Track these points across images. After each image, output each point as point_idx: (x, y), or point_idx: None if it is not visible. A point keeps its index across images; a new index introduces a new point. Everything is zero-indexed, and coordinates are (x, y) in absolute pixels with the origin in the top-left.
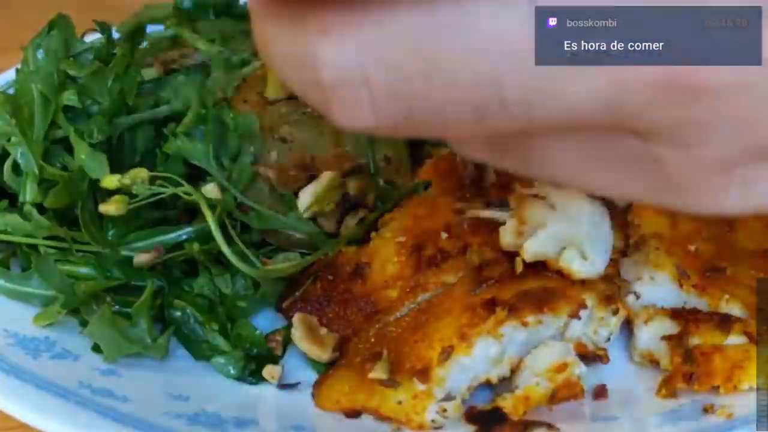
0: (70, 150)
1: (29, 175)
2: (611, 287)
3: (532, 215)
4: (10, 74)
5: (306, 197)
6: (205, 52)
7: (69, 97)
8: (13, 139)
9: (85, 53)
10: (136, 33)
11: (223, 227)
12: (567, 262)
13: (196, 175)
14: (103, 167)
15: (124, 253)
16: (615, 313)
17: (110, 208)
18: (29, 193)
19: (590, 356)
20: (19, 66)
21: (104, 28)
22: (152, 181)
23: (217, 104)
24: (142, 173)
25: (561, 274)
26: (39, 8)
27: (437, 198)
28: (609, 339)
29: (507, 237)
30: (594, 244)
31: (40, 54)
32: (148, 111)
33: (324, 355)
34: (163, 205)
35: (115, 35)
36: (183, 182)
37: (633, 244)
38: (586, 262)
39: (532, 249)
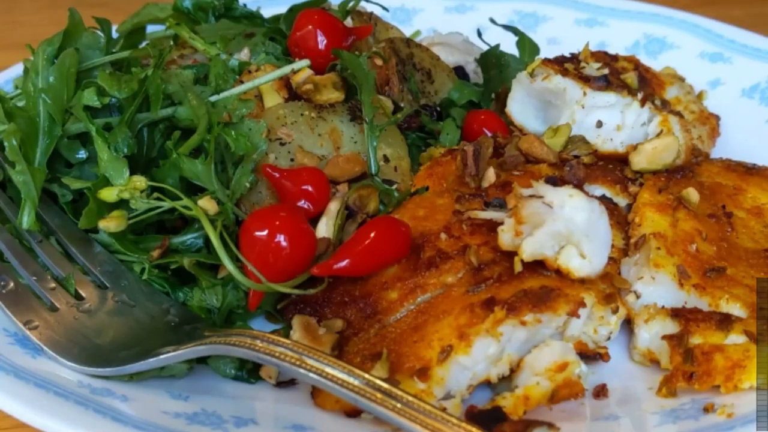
0: (84, 143)
1: (28, 202)
2: (611, 286)
3: (530, 215)
4: (11, 72)
5: (323, 229)
6: (204, 53)
7: (89, 97)
8: (17, 167)
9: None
10: (135, 32)
11: (222, 240)
12: (565, 260)
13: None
14: (123, 174)
15: None
16: (615, 311)
17: (110, 224)
18: (27, 221)
19: (591, 355)
20: (19, 64)
21: (104, 25)
22: (150, 192)
23: (221, 123)
24: (141, 183)
25: (560, 273)
26: (39, 6)
27: (436, 199)
28: (609, 338)
29: (505, 236)
30: (592, 242)
31: (51, 76)
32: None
33: None
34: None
35: (115, 35)
36: (182, 195)
37: (634, 243)
38: (585, 260)
39: (530, 248)
